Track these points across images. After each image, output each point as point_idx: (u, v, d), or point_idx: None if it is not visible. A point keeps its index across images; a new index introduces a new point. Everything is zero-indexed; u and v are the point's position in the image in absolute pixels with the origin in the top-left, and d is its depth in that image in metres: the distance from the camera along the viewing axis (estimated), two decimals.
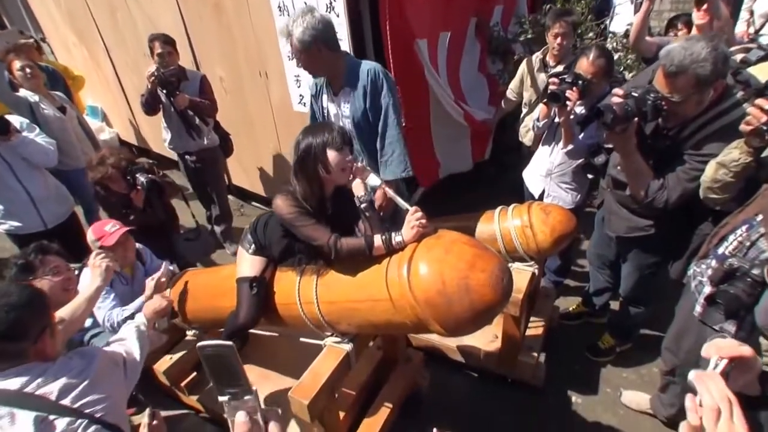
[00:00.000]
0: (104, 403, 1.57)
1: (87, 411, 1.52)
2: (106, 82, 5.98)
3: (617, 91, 2.06)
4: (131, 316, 2.52)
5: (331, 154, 1.79)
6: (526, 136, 3.44)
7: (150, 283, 2.53)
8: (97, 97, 6.49)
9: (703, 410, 0.83)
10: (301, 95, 3.81)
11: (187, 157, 4.02)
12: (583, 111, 2.73)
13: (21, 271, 2.16)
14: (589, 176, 2.81)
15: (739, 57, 2.09)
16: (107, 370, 1.69)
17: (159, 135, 5.54)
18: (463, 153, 4.47)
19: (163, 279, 2.54)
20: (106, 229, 2.68)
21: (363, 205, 1.83)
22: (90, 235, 2.72)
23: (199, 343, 0.84)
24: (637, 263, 2.54)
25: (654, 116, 1.99)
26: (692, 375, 0.87)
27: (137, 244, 2.90)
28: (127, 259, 2.79)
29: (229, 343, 0.83)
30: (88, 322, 2.78)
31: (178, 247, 3.61)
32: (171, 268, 2.80)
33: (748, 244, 1.66)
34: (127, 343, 1.95)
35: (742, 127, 1.69)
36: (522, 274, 2.48)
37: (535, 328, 2.94)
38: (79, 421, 1.49)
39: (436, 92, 3.85)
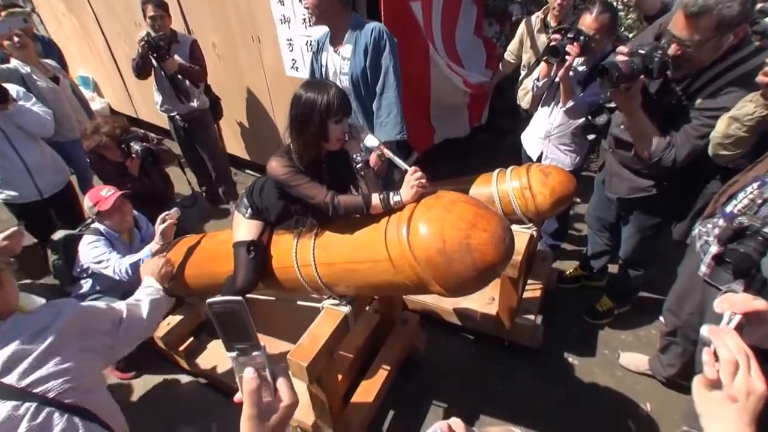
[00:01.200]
0: (64, 376, 1.26)
1: (37, 390, 1.22)
2: (97, 52, 5.80)
3: (622, 48, 1.95)
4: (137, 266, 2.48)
5: (332, 126, 1.71)
6: (524, 98, 3.33)
7: (160, 227, 2.51)
8: (88, 68, 6.31)
9: (720, 364, 0.80)
10: (293, 60, 3.69)
11: (177, 118, 3.98)
12: (584, 68, 2.65)
13: None
14: (590, 137, 2.72)
15: (758, 6, 1.98)
16: (80, 329, 1.40)
17: (151, 105, 5.42)
18: (459, 118, 4.36)
19: (173, 222, 2.53)
20: (102, 194, 2.65)
21: (359, 165, 1.75)
22: (87, 201, 2.68)
23: (209, 300, 0.77)
24: (639, 225, 2.47)
25: (660, 74, 1.89)
26: (706, 330, 0.83)
27: (133, 211, 2.86)
28: (125, 223, 2.76)
29: (239, 297, 0.77)
30: (86, 287, 2.73)
31: None
32: (176, 210, 2.72)
33: (759, 201, 1.59)
34: (139, 303, 1.84)
35: (760, 78, 1.58)
36: (520, 236, 2.41)
37: (533, 290, 2.90)
38: (26, 405, 1.19)
39: (433, 56, 3.72)
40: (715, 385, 0.79)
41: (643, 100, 1.99)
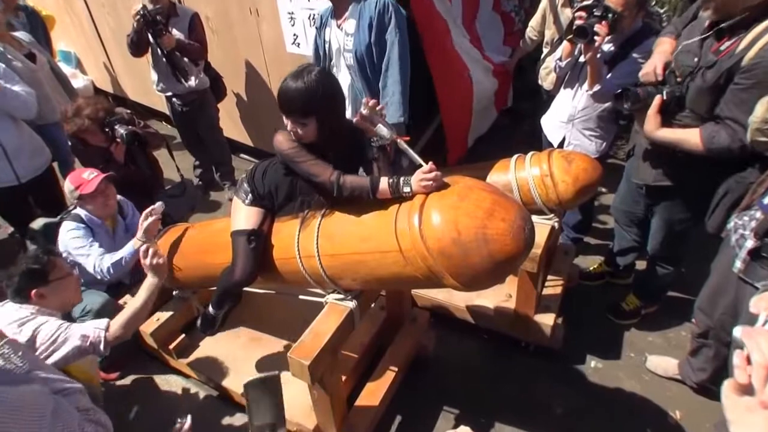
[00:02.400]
0: None
1: None
2: (79, 25, 5.82)
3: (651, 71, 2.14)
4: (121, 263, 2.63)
5: (285, 120, 1.82)
6: (546, 78, 3.34)
7: (144, 223, 2.54)
8: (70, 42, 6.33)
9: (752, 368, 0.80)
10: (295, 35, 3.69)
11: (174, 100, 4.01)
12: (612, 48, 2.65)
13: (32, 278, 2.07)
14: (621, 122, 2.73)
15: None
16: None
17: (138, 82, 5.47)
18: (489, 107, 4.37)
19: (158, 218, 2.56)
20: (84, 177, 2.68)
21: (374, 149, 1.79)
22: (68, 185, 2.71)
23: (246, 382, 0.80)
24: (666, 218, 2.49)
25: (675, 107, 2.11)
26: (739, 331, 0.84)
27: (118, 196, 2.89)
28: (108, 208, 2.79)
29: (275, 372, 0.80)
30: (77, 311, 2.73)
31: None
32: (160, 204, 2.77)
33: None
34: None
35: None
36: (540, 227, 2.42)
37: (553, 287, 2.92)
38: None
39: (455, 38, 3.74)
40: (747, 390, 0.80)
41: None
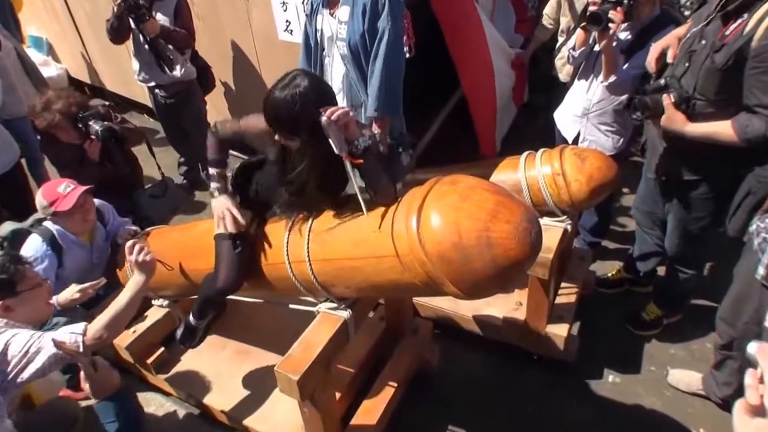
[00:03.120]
0: None
1: None
2: (51, 9, 5.84)
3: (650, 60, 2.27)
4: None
5: None
6: (563, 69, 3.36)
7: (71, 294, 2.44)
8: (41, 27, 6.35)
9: (765, 388, 0.81)
10: (287, 21, 3.71)
11: (157, 91, 4.02)
12: (628, 36, 2.68)
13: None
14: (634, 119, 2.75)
15: None
16: None
17: (117, 72, 5.49)
18: (509, 103, 4.39)
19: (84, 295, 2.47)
20: (59, 191, 2.59)
21: (359, 152, 1.75)
22: (40, 199, 2.64)
23: None
24: (681, 216, 2.52)
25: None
26: (752, 347, 0.86)
27: (96, 201, 2.86)
28: (87, 223, 2.75)
29: None
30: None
31: (141, 206, 3.59)
32: (134, 228, 2.78)
33: None
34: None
35: None
36: (552, 231, 2.46)
37: (567, 295, 2.94)
38: None
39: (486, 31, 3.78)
40: (759, 411, 0.81)
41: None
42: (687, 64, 2.17)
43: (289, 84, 1.68)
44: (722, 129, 2.09)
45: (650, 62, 2.35)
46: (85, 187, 2.63)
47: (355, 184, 1.72)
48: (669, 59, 2.29)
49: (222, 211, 2.07)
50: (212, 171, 2.15)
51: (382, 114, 2.71)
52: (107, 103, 5.63)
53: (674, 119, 2.19)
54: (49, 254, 2.64)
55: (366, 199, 1.74)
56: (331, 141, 1.64)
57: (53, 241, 2.66)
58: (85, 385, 2.07)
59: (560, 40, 3.61)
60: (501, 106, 4.10)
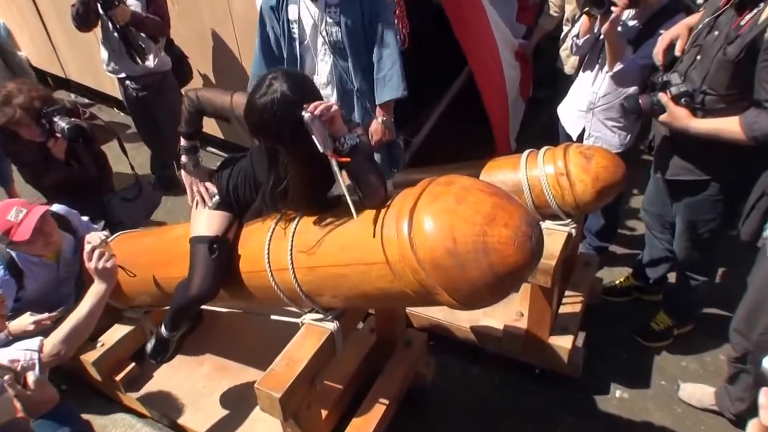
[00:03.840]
0: None
1: None
2: None
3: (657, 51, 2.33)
4: None
5: None
6: (568, 61, 3.38)
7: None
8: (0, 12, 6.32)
9: None
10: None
11: (128, 83, 4.00)
12: (636, 25, 2.70)
13: None
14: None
15: None
16: None
17: (84, 61, 5.46)
18: (518, 97, 4.40)
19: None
20: (10, 219, 2.40)
21: (346, 151, 1.76)
22: None
23: None
24: (688, 218, 2.55)
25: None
26: (767, 362, 0.87)
27: (60, 208, 2.80)
28: (50, 245, 2.61)
29: None
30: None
31: (113, 209, 3.57)
32: (104, 234, 2.75)
33: None
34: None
35: None
36: (555, 235, 2.48)
37: (572, 304, 2.95)
38: None
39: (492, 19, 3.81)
40: None
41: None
42: (698, 57, 2.20)
43: (267, 90, 1.66)
44: (729, 126, 2.12)
45: (657, 54, 2.38)
46: (41, 209, 2.48)
47: (343, 184, 1.73)
48: (677, 51, 2.32)
49: (190, 188, 2.14)
50: (183, 143, 2.16)
51: (404, 94, 2.84)
52: (73, 95, 5.62)
53: (676, 115, 2.23)
54: (6, 280, 2.54)
55: (355, 200, 1.75)
56: (314, 138, 1.64)
57: (11, 264, 2.57)
58: (18, 404, 2.06)
59: (565, 29, 3.63)
60: (511, 100, 4.11)
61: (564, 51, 3.48)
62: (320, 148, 1.65)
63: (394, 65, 2.77)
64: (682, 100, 2.22)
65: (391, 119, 2.96)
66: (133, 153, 3.68)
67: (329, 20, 2.69)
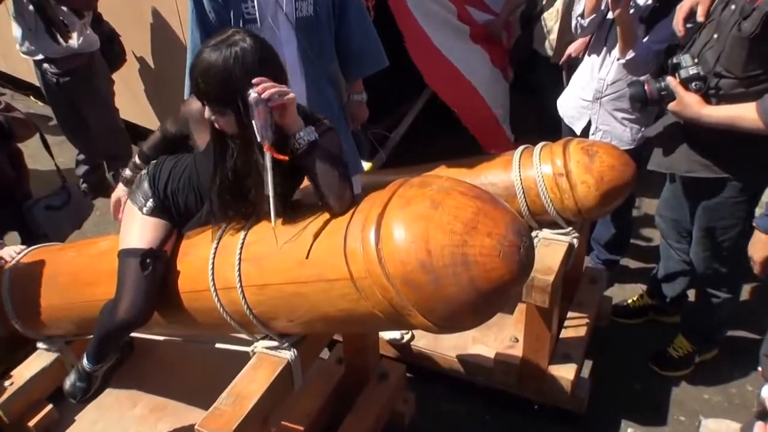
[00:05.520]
0: None
1: None
2: None
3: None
4: None
5: None
6: (544, 42, 3.42)
7: None
8: None
9: None
10: None
11: (47, 66, 3.96)
12: (649, 2, 2.74)
13: None
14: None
15: None
16: None
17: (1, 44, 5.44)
18: (495, 76, 4.43)
19: None
20: None
21: (301, 149, 1.77)
22: None
23: None
24: (706, 223, 2.59)
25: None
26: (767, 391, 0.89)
27: None
28: None
29: None
30: None
31: (36, 219, 3.53)
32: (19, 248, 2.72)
33: None
34: None
35: None
36: (553, 246, 2.50)
37: (576, 327, 2.97)
38: None
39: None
40: None
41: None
42: (714, 35, 2.24)
43: (225, 41, 1.68)
44: (745, 113, 2.16)
45: (678, 23, 2.38)
46: None
47: (270, 186, 1.74)
48: (699, 17, 2.32)
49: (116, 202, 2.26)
50: (135, 159, 2.28)
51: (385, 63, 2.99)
52: None
53: (686, 102, 2.27)
54: None
55: (312, 205, 1.76)
56: (253, 123, 1.65)
57: None
58: None
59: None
60: (484, 86, 4.13)
61: (538, 30, 3.56)
62: (257, 138, 1.67)
63: (370, 33, 2.91)
64: (693, 84, 2.25)
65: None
66: (54, 151, 3.64)
67: None
